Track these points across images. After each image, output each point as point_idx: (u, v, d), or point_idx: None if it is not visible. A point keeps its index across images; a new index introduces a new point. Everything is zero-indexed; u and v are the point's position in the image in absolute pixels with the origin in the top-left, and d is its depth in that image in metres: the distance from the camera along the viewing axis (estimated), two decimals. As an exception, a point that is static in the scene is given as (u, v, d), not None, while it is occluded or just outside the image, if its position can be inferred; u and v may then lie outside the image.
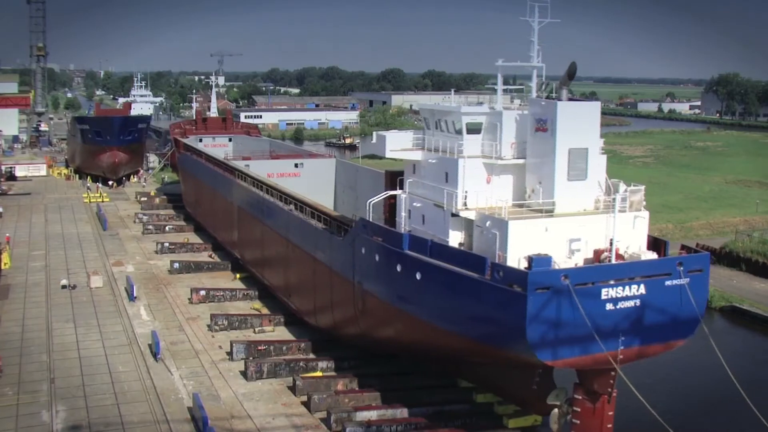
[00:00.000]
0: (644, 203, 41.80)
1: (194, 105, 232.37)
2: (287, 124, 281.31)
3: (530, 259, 36.27)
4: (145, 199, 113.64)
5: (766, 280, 79.58)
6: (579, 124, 40.80)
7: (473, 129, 44.54)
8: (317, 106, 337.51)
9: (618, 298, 36.58)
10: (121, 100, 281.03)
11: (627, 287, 36.76)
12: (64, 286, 68.19)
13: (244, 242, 75.87)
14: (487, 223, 40.05)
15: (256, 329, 59.10)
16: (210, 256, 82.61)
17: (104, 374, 48.96)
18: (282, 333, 59.38)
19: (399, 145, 48.07)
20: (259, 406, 45.49)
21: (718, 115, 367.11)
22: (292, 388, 47.63)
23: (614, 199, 39.27)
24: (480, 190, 42.59)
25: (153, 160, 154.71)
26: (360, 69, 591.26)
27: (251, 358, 51.49)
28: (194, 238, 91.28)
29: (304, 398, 46.14)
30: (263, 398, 46.65)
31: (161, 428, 41.86)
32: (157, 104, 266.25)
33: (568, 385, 41.03)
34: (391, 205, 49.77)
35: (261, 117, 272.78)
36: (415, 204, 46.89)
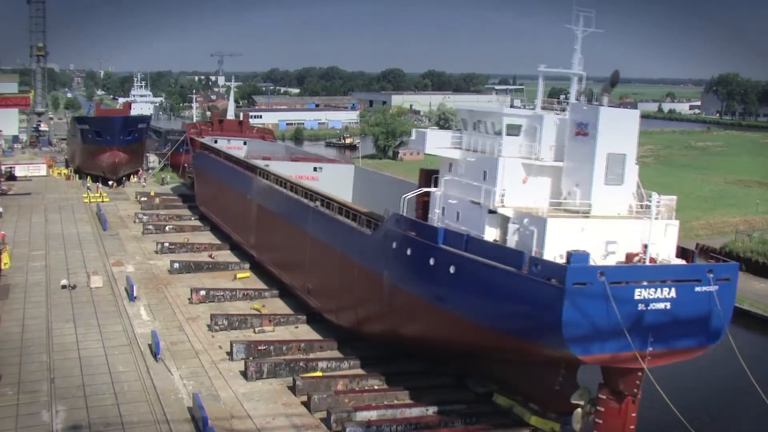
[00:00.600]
0: (675, 212, 42.78)
1: (194, 105, 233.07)
2: (287, 124, 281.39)
3: (569, 254, 37.07)
4: (145, 199, 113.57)
5: (766, 280, 79.63)
6: (619, 130, 42.11)
7: (513, 131, 45.55)
8: (317, 106, 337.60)
9: (650, 299, 37.42)
10: (121, 100, 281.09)
11: (659, 289, 37.57)
12: (64, 286, 68.15)
13: (262, 240, 76.25)
14: (525, 221, 41.28)
15: (256, 329, 59.09)
16: (210, 256, 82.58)
17: (104, 374, 48.94)
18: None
19: (438, 142, 49.01)
20: (259, 406, 45.48)
21: (718, 115, 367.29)
22: (292, 388, 47.63)
23: (651, 205, 40.20)
24: (517, 189, 43.75)
25: (153, 160, 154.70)
26: (360, 69, 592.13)
27: (251, 358, 51.49)
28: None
29: (304, 398, 46.15)
30: (263, 398, 46.65)
31: (161, 428, 41.86)
32: (157, 104, 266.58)
33: (590, 386, 41.51)
34: (424, 202, 50.49)
35: (261, 117, 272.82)
36: (450, 201, 47.79)
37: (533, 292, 37.66)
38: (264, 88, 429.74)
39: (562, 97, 47.09)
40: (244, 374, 49.54)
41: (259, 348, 53.09)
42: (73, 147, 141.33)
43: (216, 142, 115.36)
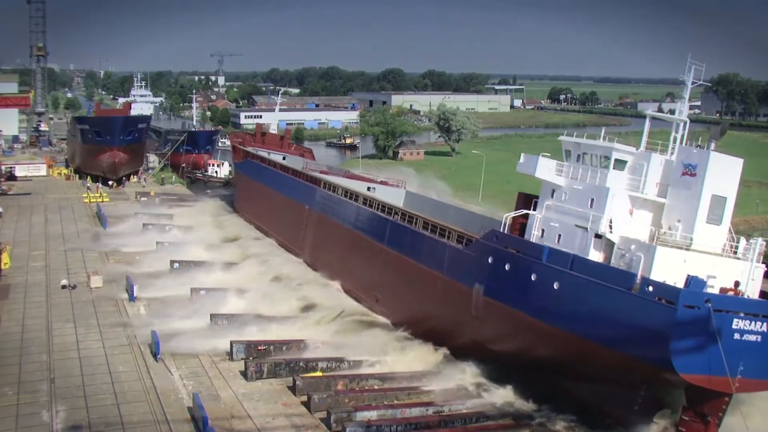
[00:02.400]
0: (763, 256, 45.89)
1: (194, 105, 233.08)
2: (287, 124, 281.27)
3: (688, 278, 40.69)
4: (145, 198, 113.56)
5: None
6: (724, 174, 45.44)
7: (619, 165, 48.57)
8: (317, 106, 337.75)
9: (744, 330, 40.43)
10: (121, 100, 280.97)
11: (753, 322, 40.58)
12: (64, 286, 68.14)
13: (320, 248, 79.59)
14: (632, 247, 44.65)
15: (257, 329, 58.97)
16: None
17: (104, 374, 48.96)
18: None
19: (545, 167, 51.73)
20: (259, 406, 45.49)
21: (718, 115, 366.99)
22: (292, 388, 47.65)
23: (752, 247, 44.59)
24: (622, 218, 47.09)
25: (153, 160, 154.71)
26: (360, 69, 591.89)
27: (251, 358, 51.49)
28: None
29: (304, 398, 46.17)
30: (263, 398, 46.66)
31: (161, 428, 41.88)
32: (157, 104, 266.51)
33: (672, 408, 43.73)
34: (521, 223, 53.07)
35: (261, 117, 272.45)
36: (551, 224, 50.37)
37: (643, 311, 40.71)
38: (264, 88, 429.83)
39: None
40: (244, 374, 49.55)
41: (259, 348, 53.09)
42: (73, 147, 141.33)
43: (257, 152, 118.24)
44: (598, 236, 46.94)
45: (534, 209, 52.46)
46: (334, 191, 79.50)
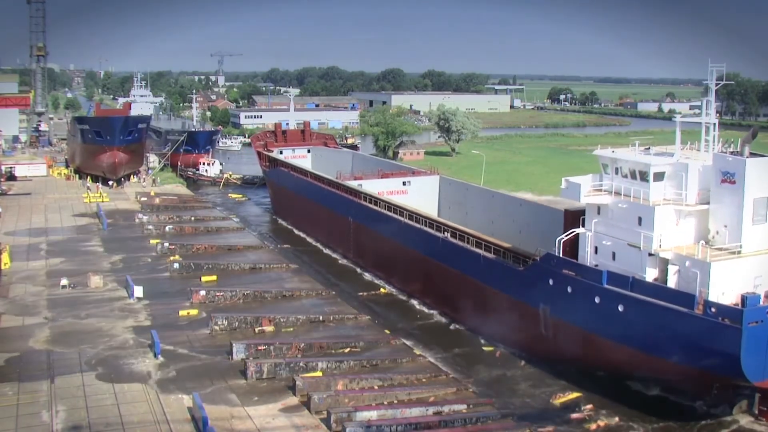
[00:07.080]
0: None
1: (194, 105, 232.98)
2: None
3: (744, 298, 42.60)
4: (145, 199, 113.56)
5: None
6: (762, 176, 46.90)
7: (658, 177, 49.70)
8: (317, 106, 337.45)
9: None
10: (121, 100, 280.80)
11: None
12: (64, 286, 68.11)
13: (366, 258, 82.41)
14: (687, 263, 46.36)
15: (257, 329, 59.09)
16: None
17: (104, 374, 48.87)
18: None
19: (587, 191, 53.21)
20: (259, 406, 45.43)
21: (718, 115, 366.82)
22: (292, 388, 47.60)
23: None
24: (670, 232, 48.74)
25: (153, 160, 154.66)
26: (360, 69, 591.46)
27: (251, 358, 51.48)
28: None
29: (304, 398, 46.12)
30: (263, 398, 46.60)
31: (161, 428, 41.82)
32: (157, 104, 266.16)
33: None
34: (571, 240, 54.01)
35: (261, 117, 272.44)
36: (604, 242, 51.27)
37: (710, 332, 42.84)
38: (264, 88, 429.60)
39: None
40: (244, 374, 49.53)
41: (259, 348, 53.07)
42: (73, 147, 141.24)
43: (281, 152, 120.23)
44: (652, 255, 48.10)
45: (582, 225, 53.43)
46: (376, 205, 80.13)
